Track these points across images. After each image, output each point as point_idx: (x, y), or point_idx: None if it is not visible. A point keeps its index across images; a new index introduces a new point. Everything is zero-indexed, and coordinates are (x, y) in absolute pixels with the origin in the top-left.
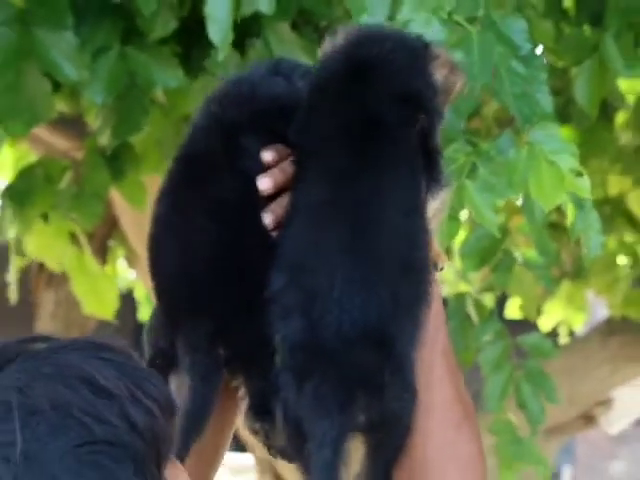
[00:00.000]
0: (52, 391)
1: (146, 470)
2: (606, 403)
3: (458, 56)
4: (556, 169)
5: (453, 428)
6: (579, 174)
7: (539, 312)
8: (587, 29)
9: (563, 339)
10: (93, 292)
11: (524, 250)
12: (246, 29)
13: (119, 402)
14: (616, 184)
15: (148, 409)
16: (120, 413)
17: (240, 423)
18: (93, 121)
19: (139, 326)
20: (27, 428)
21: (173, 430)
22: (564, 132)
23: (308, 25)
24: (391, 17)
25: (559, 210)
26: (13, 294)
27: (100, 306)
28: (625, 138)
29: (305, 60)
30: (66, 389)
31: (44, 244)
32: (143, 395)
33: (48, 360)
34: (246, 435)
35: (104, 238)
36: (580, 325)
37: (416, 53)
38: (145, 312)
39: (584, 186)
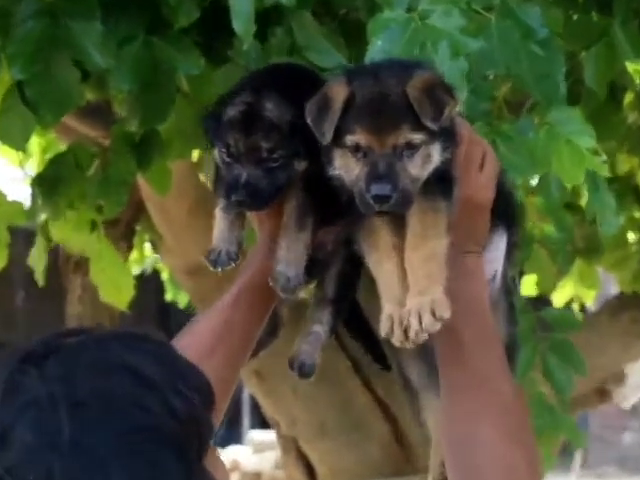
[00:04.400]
0: (96, 381)
1: (188, 457)
2: (619, 377)
3: (478, 43)
4: (576, 149)
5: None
6: (596, 153)
7: (553, 288)
8: (595, 16)
9: (575, 315)
10: (110, 280)
11: (541, 227)
12: (268, 17)
13: (161, 391)
14: (624, 163)
15: (188, 398)
16: (162, 402)
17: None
18: (120, 109)
19: (164, 307)
20: (73, 417)
21: (212, 418)
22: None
23: (328, 14)
24: (411, 8)
25: (572, 190)
26: (40, 277)
27: (116, 294)
28: (632, 118)
29: (325, 45)
30: (109, 379)
31: (68, 230)
32: (183, 385)
33: (90, 351)
34: (269, 413)
35: (130, 222)
36: (591, 301)
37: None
38: (170, 293)
39: (602, 164)
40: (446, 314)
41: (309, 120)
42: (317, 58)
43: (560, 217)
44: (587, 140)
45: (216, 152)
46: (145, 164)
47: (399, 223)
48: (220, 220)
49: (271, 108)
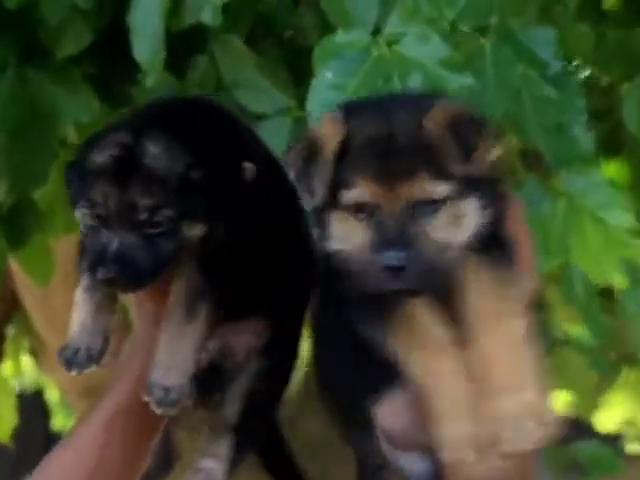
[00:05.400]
0: None
1: None
2: None
3: (464, 80)
4: (605, 229)
5: None
6: (637, 235)
7: (595, 408)
8: (638, 33)
9: (631, 445)
10: None
11: (569, 327)
12: (187, 44)
13: None
14: None
15: None
16: None
17: None
18: None
19: (50, 438)
20: None
21: None
22: (610, 169)
23: (268, 37)
24: (378, 30)
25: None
26: None
27: None
28: None
29: (262, 82)
30: None
31: None
32: None
33: None
34: None
35: (0, 323)
36: None
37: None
38: (58, 419)
39: None
40: (551, 418)
41: (292, 176)
42: (250, 98)
43: (591, 314)
44: (621, 215)
45: (79, 213)
46: (18, 243)
47: (444, 308)
48: (80, 304)
49: (155, 153)
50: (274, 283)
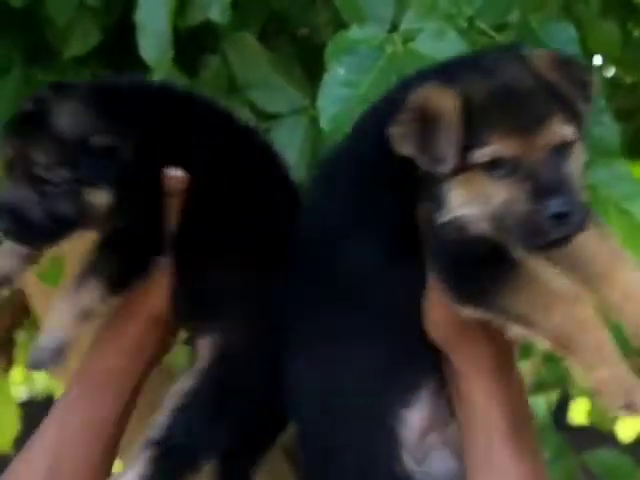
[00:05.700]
0: None
1: None
2: None
3: None
4: (630, 220)
5: None
6: None
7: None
8: None
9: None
10: None
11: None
12: (198, 42)
13: None
14: None
15: None
16: None
17: None
18: None
19: None
20: None
21: None
22: (636, 171)
23: (281, 35)
24: (394, 26)
25: None
26: None
27: None
28: None
29: (276, 80)
30: None
31: None
32: None
33: None
34: None
35: (10, 328)
36: None
37: None
38: None
39: None
40: None
41: (409, 150)
42: (264, 98)
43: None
44: None
45: None
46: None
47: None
48: None
49: (62, 113)
50: (227, 288)
